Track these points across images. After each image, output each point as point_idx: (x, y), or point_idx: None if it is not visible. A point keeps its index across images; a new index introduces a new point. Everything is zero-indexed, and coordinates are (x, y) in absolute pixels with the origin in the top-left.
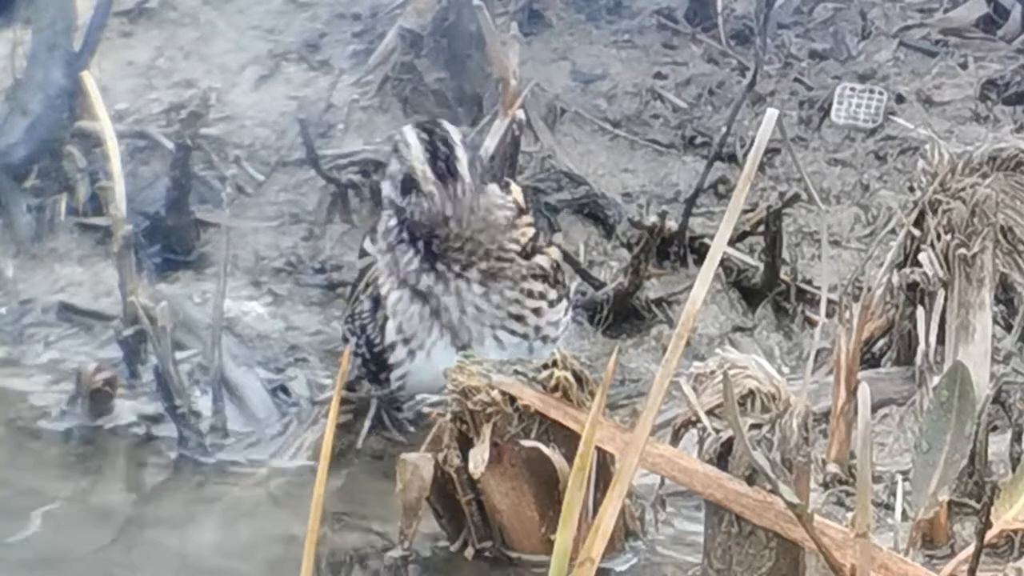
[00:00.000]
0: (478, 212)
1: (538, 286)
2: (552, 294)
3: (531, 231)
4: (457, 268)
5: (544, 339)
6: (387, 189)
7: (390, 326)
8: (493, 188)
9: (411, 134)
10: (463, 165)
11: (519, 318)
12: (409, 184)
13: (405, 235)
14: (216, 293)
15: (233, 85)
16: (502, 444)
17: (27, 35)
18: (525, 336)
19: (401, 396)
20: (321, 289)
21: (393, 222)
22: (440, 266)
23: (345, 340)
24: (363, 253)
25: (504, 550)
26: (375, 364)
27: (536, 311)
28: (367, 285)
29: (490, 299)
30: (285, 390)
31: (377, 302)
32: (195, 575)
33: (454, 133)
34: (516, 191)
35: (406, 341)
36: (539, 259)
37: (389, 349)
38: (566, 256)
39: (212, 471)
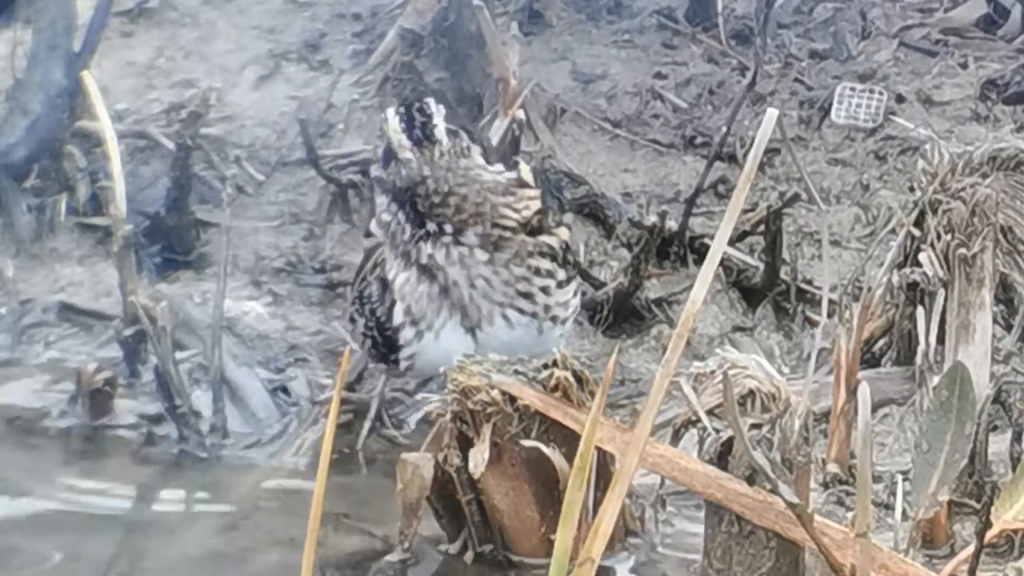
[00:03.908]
0: (457, 170)
1: (545, 264)
2: (561, 274)
3: (536, 205)
4: (450, 229)
5: (554, 319)
6: (375, 170)
7: (398, 308)
8: (476, 151)
9: (390, 111)
10: (440, 130)
11: (527, 296)
12: (389, 155)
13: (394, 206)
14: (216, 293)
15: (233, 85)
16: (502, 444)
17: (27, 35)
18: (534, 315)
19: (409, 376)
20: (321, 289)
21: (383, 199)
22: (431, 226)
23: (352, 321)
24: (368, 234)
25: (505, 552)
26: (385, 345)
27: (544, 289)
28: (375, 266)
29: (497, 272)
30: (285, 390)
31: (385, 284)
32: None
33: (433, 105)
34: (524, 169)
35: (414, 322)
36: (546, 238)
37: (398, 330)
38: None
39: (212, 471)
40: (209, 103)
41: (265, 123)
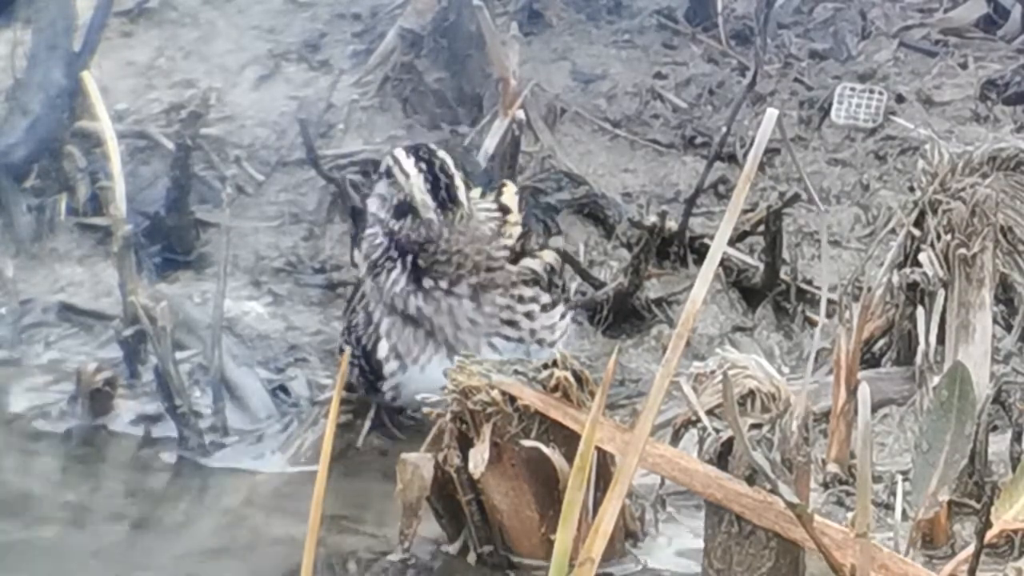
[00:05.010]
0: (468, 232)
1: (528, 291)
2: (545, 298)
3: (517, 230)
4: (445, 284)
5: (540, 342)
6: (375, 207)
7: (383, 344)
8: (458, 177)
9: (408, 163)
10: (462, 192)
11: (512, 323)
12: (405, 209)
13: (393, 253)
14: (216, 293)
15: (233, 85)
16: (502, 444)
17: (27, 35)
18: (520, 340)
19: (395, 404)
20: (321, 289)
21: (379, 240)
22: (427, 282)
23: (341, 351)
24: (353, 263)
25: (505, 553)
26: (372, 374)
27: (528, 315)
28: (363, 296)
29: (483, 311)
30: (285, 390)
31: (371, 315)
32: None
33: (449, 159)
34: (508, 192)
35: (399, 356)
36: (529, 262)
37: (382, 362)
38: (566, 256)
39: (212, 471)
40: (209, 103)
41: (265, 123)
